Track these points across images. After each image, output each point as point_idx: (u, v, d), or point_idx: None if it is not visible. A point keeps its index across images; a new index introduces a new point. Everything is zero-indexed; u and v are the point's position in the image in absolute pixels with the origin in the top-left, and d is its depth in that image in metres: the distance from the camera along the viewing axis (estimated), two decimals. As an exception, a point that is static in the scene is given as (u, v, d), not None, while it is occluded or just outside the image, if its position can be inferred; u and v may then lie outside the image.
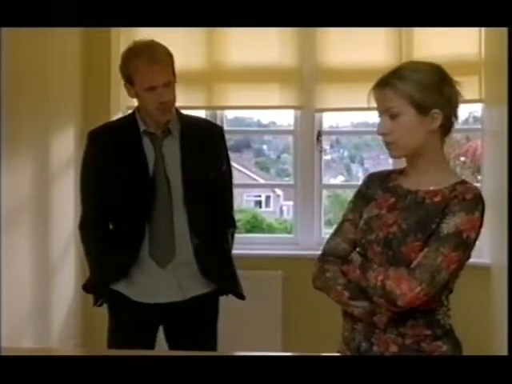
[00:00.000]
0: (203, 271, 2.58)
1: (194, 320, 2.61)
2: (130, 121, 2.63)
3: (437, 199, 1.87)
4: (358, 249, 1.96)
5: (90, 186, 2.65)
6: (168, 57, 2.53)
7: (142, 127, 2.58)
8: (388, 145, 1.90)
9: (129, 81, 2.53)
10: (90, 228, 2.64)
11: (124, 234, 2.59)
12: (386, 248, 1.87)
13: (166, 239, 2.57)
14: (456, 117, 1.91)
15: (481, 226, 1.85)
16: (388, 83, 1.86)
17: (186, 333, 2.61)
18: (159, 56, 2.50)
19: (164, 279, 2.56)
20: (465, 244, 1.81)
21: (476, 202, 1.84)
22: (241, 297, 2.69)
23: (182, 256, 2.57)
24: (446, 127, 1.90)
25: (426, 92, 1.84)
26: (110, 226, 2.64)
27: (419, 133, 1.86)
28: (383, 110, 1.87)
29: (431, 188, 1.89)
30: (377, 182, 2.00)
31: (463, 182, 1.90)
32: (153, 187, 2.55)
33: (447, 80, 1.88)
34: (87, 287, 2.66)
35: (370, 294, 1.83)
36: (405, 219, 1.87)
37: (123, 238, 2.58)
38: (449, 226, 1.81)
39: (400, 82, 1.84)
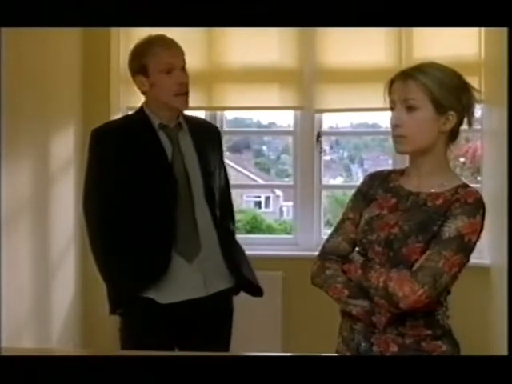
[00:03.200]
0: (228, 265, 2.56)
1: (213, 317, 2.56)
2: (140, 117, 2.58)
3: (439, 202, 1.87)
4: (358, 248, 1.97)
5: (107, 187, 2.50)
6: (180, 47, 2.58)
7: (157, 121, 2.54)
8: (397, 138, 1.89)
9: (143, 71, 2.50)
10: (110, 233, 2.49)
11: (149, 236, 2.46)
12: (387, 248, 1.87)
13: (190, 234, 2.51)
14: (470, 124, 1.92)
15: (481, 229, 1.86)
16: (411, 75, 1.87)
17: (203, 329, 2.55)
18: (174, 43, 2.57)
19: (191, 274, 2.50)
20: (466, 248, 1.82)
21: (477, 206, 1.85)
22: (259, 291, 2.64)
23: (206, 250, 2.53)
24: (455, 132, 1.91)
25: (446, 92, 1.85)
26: (130, 229, 2.49)
27: (432, 131, 1.87)
28: (401, 101, 1.87)
29: (433, 190, 1.90)
30: (377, 181, 2.01)
31: (465, 186, 1.90)
32: (175, 181, 2.50)
33: (466, 87, 1.89)
34: (114, 301, 2.50)
35: (372, 294, 1.83)
36: (406, 221, 1.87)
37: (149, 241, 2.46)
38: (451, 229, 1.82)
39: (423, 76, 1.85)
